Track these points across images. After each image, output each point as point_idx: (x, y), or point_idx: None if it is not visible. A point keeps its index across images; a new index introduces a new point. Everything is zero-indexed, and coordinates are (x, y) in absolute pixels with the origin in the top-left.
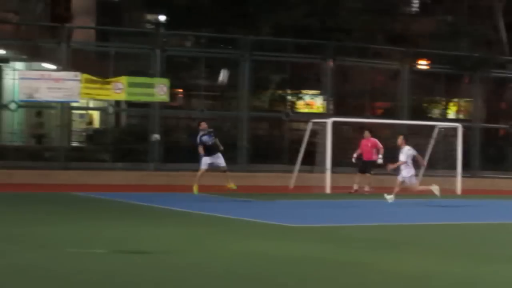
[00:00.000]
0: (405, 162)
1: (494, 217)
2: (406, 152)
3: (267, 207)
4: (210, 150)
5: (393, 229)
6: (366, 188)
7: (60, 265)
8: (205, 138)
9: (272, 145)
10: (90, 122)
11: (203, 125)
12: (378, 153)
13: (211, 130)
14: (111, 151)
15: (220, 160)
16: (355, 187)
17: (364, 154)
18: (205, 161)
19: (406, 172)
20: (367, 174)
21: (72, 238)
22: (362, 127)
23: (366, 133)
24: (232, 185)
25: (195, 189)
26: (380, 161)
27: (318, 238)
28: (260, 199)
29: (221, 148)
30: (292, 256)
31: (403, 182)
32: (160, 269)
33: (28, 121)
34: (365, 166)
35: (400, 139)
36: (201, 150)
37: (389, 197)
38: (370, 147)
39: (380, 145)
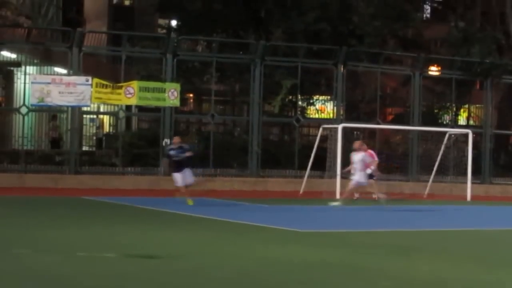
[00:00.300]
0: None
1: (505, 223)
2: (360, 157)
3: (277, 212)
4: (179, 165)
5: (404, 235)
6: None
7: (71, 269)
8: (172, 152)
9: (283, 150)
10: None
11: (176, 139)
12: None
13: (183, 145)
14: (122, 156)
15: (188, 175)
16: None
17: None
18: (177, 177)
19: (359, 177)
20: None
21: (83, 242)
22: (373, 132)
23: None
24: (190, 201)
25: (189, 202)
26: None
27: (328, 244)
28: (271, 204)
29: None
30: (302, 261)
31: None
32: (170, 273)
33: (39, 125)
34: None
35: (358, 144)
36: (164, 163)
37: (335, 204)
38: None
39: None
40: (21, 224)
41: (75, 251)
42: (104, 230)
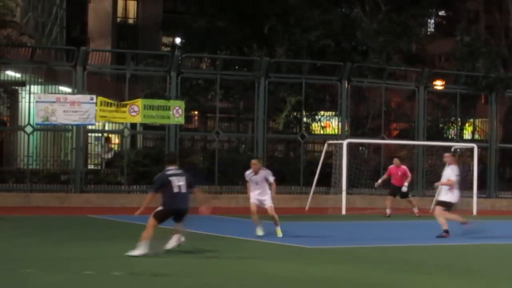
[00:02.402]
0: None
1: (510, 238)
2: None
3: (283, 229)
4: None
5: (410, 250)
6: (415, 210)
7: (77, 287)
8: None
9: (288, 167)
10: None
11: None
12: (405, 180)
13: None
14: (127, 174)
15: None
16: (388, 211)
17: (394, 180)
18: None
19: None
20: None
21: (90, 260)
22: (378, 148)
23: (396, 161)
24: None
25: None
26: (405, 189)
27: (335, 260)
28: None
29: None
30: (309, 278)
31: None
32: None
33: (44, 144)
34: (395, 190)
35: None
36: None
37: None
38: (400, 175)
39: (409, 174)
40: (27, 244)
41: (82, 270)
42: (110, 248)
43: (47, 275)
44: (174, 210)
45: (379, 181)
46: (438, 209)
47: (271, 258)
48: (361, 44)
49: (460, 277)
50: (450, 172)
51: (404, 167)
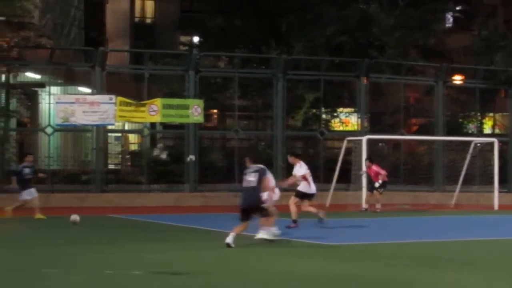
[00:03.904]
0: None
1: None
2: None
3: (303, 226)
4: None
5: (431, 246)
6: (378, 206)
7: (100, 287)
8: (26, 170)
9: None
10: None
11: (29, 158)
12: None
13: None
14: (147, 173)
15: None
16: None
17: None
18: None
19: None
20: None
21: (110, 260)
22: (397, 143)
23: (366, 162)
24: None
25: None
26: (377, 184)
27: (355, 256)
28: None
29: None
30: (329, 275)
31: None
32: None
33: (64, 145)
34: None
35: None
36: (14, 181)
37: None
38: (374, 175)
39: (381, 172)
40: (48, 244)
41: (103, 270)
42: (130, 247)
43: (69, 275)
44: None
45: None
46: (292, 199)
47: (290, 256)
48: (378, 39)
49: (481, 273)
50: (299, 169)
51: (374, 167)
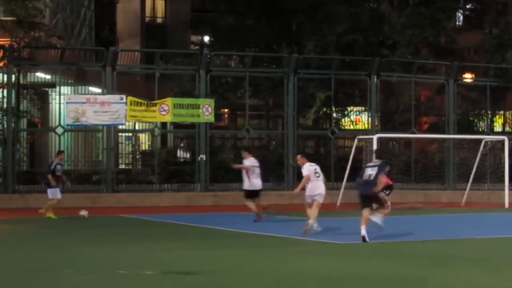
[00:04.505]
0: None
1: None
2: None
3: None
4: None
5: (442, 244)
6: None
7: (112, 287)
8: (58, 167)
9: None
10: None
11: (61, 156)
12: None
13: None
14: (158, 173)
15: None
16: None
17: None
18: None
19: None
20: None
21: (122, 260)
22: (408, 142)
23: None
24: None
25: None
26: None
27: (366, 255)
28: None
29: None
30: (341, 274)
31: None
32: None
33: (75, 145)
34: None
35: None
36: (50, 178)
37: None
38: None
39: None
40: (61, 244)
41: (115, 269)
42: (142, 247)
43: (81, 275)
44: None
45: None
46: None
47: (303, 254)
48: (389, 38)
49: (493, 271)
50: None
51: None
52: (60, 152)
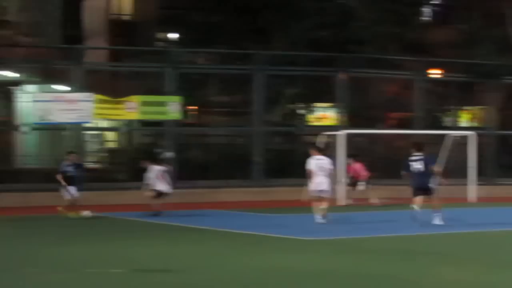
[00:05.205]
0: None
1: (509, 224)
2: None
3: (283, 221)
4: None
5: (410, 239)
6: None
7: (81, 286)
8: (68, 168)
9: (286, 159)
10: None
11: (71, 156)
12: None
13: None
14: (126, 171)
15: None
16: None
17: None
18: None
19: None
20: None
21: (90, 259)
22: (376, 138)
23: (348, 160)
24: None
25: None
26: (362, 187)
27: (336, 251)
28: (276, 213)
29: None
30: (310, 270)
31: None
32: (179, 287)
33: (42, 143)
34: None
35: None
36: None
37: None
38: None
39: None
40: (28, 244)
41: (83, 268)
42: (111, 245)
43: (49, 275)
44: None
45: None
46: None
47: (272, 251)
48: (357, 34)
49: (460, 266)
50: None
51: (354, 166)
52: (70, 153)
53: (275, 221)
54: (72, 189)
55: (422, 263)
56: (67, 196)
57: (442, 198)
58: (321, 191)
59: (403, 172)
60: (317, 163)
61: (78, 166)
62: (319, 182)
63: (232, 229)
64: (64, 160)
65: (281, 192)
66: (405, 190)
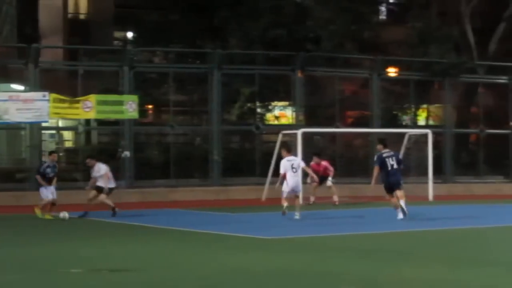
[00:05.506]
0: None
1: (467, 222)
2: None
3: (241, 220)
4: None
5: (367, 238)
6: (335, 198)
7: (36, 286)
8: (48, 170)
9: (244, 158)
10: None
11: (53, 156)
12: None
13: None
14: (83, 170)
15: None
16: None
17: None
18: (45, 191)
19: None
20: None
21: (48, 258)
22: (334, 136)
23: (315, 159)
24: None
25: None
26: (329, 183)
27: (292, 250)
28: (234, 212)
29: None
30: (266, 269)
31: None
32: (136, 286)
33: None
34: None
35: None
36: (40, 179)
37: None
38: (323, 171)
39: (331, 168)
40: None
41: (40, 268)
42: (68, 245)
43: (5, 274)
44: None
45: (308, 180)
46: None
47: (230, 250)
48: (313, 32)
49: (418, 264)
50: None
51: (324, 163)
52: (51, 153)
53: (234, 220)
54: (52, 189)
55: (381, 261)
56: (45, 197)
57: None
58: (296, 190)
59: (376, 167)
60: (289, 164)
61: (55, 166)
62: (294, 182)
63: (190, 228)
64: (44, 161)
65: (240, 191)
66: (362, 189)
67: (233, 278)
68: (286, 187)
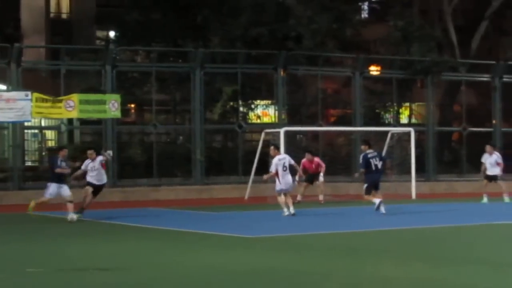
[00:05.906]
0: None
1: (450, 220)
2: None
3: (224, 219)
4: (60, 178)
5: (349, 236)
6: (321, 197)
7: (18, 285)
8: (63, 163)
9: (227, 157)
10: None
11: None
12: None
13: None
14: None
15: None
16: (299, 197)
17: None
18: (52, 189)
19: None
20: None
21: (31, 258)
22: (316, 135)
23: (308, 155)
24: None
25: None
26: (321, 179)
27: (276, 249)
28: (216, 211)
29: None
30: (249, 268)
31: None
32: (119, 286)
33: None
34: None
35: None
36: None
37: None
38: (315, 167)
39: (323, 165)
40: None
41: (23, 267)
42: (51, 244)
43: None
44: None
45: (297, 177)
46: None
47: (212, 249)
48: (295, 31)
49: (399, 263)
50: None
51: (316, 159)
52: (61, 148)
53: (217, 219)
54: (65, 188)
55: (363, 259)
56: (48, 195)
57: (386, 194)
58: (288, 188)
59: (361, 170)
60: (281, 163)
61: (67, 162)
62: (286, 180)
63: (173, 227)
64: (57, 157)
65: (223, 190)
66: (343, 187)
67: (216, 277)
68: (279, 185)
